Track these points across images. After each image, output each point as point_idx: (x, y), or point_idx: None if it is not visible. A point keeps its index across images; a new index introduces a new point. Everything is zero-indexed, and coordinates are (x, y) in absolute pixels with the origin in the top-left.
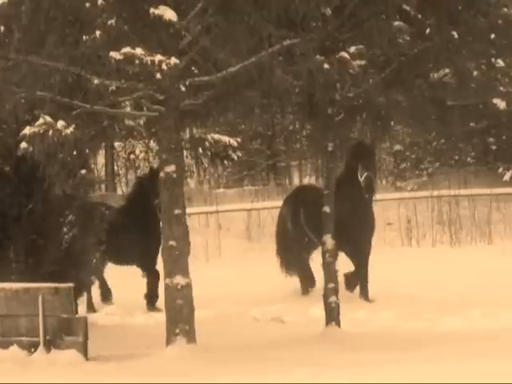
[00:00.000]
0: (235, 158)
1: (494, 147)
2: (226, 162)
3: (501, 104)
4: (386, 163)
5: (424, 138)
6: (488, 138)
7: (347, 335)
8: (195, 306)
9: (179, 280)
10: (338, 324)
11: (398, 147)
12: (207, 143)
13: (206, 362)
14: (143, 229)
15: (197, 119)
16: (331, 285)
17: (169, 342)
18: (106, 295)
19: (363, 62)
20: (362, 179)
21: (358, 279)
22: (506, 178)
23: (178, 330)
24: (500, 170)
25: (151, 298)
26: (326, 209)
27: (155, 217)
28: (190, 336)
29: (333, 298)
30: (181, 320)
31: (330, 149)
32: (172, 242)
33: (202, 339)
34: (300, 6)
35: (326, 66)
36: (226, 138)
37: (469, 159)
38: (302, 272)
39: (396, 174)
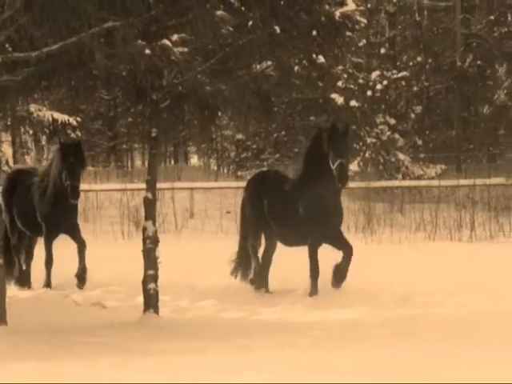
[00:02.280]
0: (74, 137)
1: None
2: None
3: (339, 99)
4: (227, 152)
5: (265, 129)
6: None
7: (164, 323)
8: (15, 287)
9: None
10: (156, 311)
11: (240, 136)
12: (30, 120)
13: (12, 345)
14: None
15: (18, 95)
16: (151, 271)
17: None
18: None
19: (186, 50)
20: (334, 166)
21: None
22: None
23: None
24: None
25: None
26: (149, 195)
27: None
28: (1, 318)
29: (152, 285)
30: None
31: (153, 135)
32: None
33: (15, 322)
34: None
35: (147, 51)
36: (64, 117)
37: None
38: (258, 266)
39: (237, 163)
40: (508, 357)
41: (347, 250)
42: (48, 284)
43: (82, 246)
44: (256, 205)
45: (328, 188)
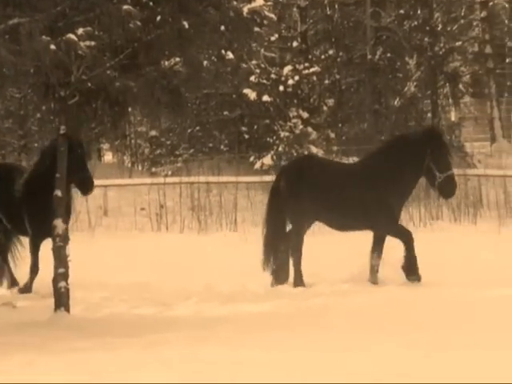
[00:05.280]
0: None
1: (246, 136)
2: None
3: (251, 94)
4: (142, 148)
5: (179, 125)
6: (241, 127)
7: (75, 321)
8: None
9: None
10: (67, 309)
11: (153, 133)
12: None
13: None
14: None
15: None
16: (61, 270)
17: None
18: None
19: (92, 44)
20: (441, 175)
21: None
22: (257, 166)
23: None
24: (251, 158)
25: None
26: (58, 193)
27: None
28: None
29: (62, 284)
30: None
31: (61, 132)
32: None
33: None
34: None
35: (52, 47)
36: None
37: (222, 147)
38: (283, 262)
39: (151, 160)
40: (415, 342)
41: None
42: (28, 289)
43: None
44: (304, 192)
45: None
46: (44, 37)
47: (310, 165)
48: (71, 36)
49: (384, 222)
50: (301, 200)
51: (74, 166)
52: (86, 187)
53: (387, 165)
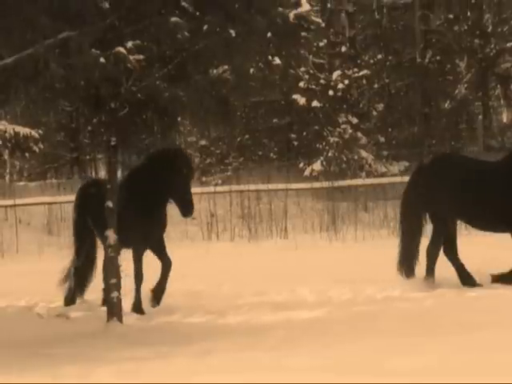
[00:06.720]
0: (37, 150)
1: (295, 143)
2: (26, 154)
3: (301, 100)
4: (192, 158)
5: (229, 134)
6: (290, 133)
7: (128, 330)
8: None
9: None
10: (120, 319)
11: (203, 142)
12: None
13: None
14: None
15: None
16: (113, 280)
17: None
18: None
19: (141, 57)
20: None
21: None
22: (307, 173)
23: None
24: (301, 165)
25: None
26: (109, 204)
27: None
28: None
29: (115, 294)
30: None
31: (112, 143)
32: None
33: None
34: (75, 1)
35: (102, 60)
36: (26, 130)
37: (272, 154)
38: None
39: (202, 169)
40: (469, 345)
41: None
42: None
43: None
44: (445, 192)
45: None
46: (93, 50)
47: (449, 163)
48: (120, 49)
49: None
50: (441, 199)
51: (178, 186)
52: (187, 210)
53: None
